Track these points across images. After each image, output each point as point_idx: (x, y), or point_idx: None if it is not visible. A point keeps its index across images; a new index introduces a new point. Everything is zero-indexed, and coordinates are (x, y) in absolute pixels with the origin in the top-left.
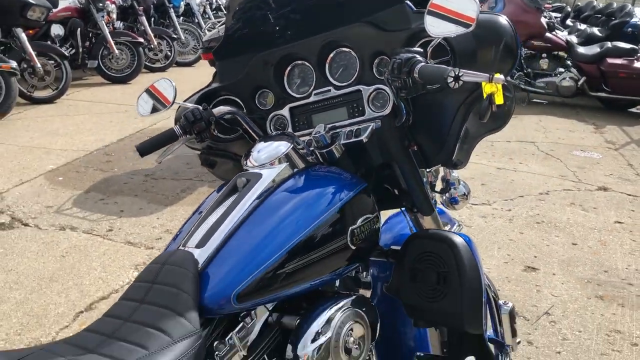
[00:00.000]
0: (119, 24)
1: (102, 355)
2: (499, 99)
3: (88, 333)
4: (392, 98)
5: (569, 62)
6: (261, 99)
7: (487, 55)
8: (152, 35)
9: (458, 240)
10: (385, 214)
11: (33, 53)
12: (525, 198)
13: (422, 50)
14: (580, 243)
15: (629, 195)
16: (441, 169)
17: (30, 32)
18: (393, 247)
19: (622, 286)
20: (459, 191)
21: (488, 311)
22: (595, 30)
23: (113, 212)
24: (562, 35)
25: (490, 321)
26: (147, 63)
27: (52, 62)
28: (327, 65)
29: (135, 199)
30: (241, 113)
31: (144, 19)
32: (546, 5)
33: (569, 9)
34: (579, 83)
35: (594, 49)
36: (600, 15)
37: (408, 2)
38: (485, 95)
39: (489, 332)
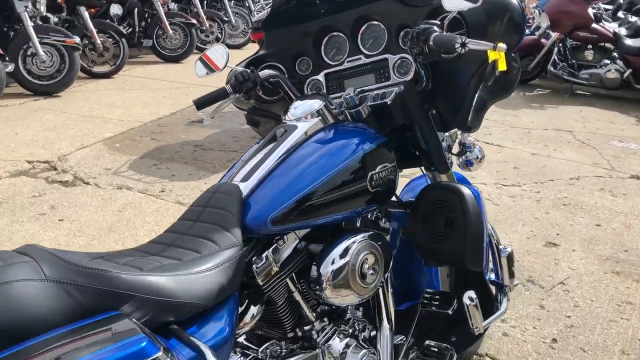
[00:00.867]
0: (173, 6)
1: (163, 257)
2: (501, 65)
3: (152, 244)
4: (414, 66)
5: (615, 54)
6: (300, 66)
7: (494, 28)
8: (204, 17)
9: (466, 191)
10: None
11: (94, 30)
12: (555, 182)
13: (438, 22)
14: (604, 225)
15: None
16: (458, 133)
17: (92, 10)
18: (410, 199)
19: (639, 264)
20: (473, 154)
21: (490, 255)
22: None
23: (165, 176)
24: (609, 26)
25: (492, 265)
26: (198, 44)
27: (111, 39)
28: (359, 37)
29: (185, 166)
30: (283, 76)
31: (197, 1)
32: None
33: (622, 1)
34: (625, 75)
35: None
36: None
37: None
38: (490, 61)
39: (491, 275)
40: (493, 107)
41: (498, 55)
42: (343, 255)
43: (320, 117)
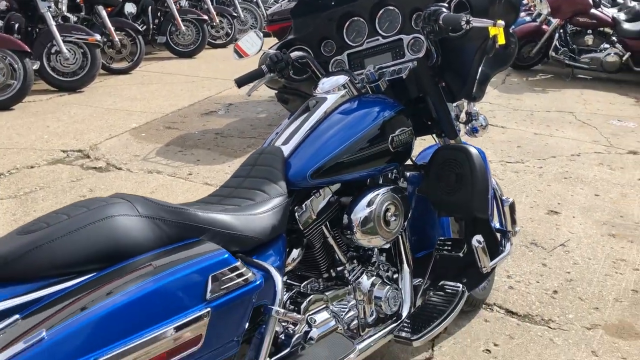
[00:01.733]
0: (184, 3)
1: (222, 205)
2: (501, 39)
3: (211, 196)
4: (426, 43)
5: (614, 38)
6: (325, 48)
7: (494, 8)
8: (214, 13)
9: (472, 150)
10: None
11: (112, 28)
12: (557, 158)
13: (446, 4)
14: (602, 195)
15: None
16: (465, 104)
17: (108, 9)
18: (424, 162)
19: (634, 227)
20: (479, 122)
21: (494, 206)
22: None
23: (191, 161)
24: (608, 11)
25: (497, 214)
26: (209, 40)
27: (128, 37)
28: (376, 20)
29: (209, 152)
30: (311, 57)
31: None
32: None
33: None
34: (624, 58)
35: None
36: None
37: None
38: (490, 36)
39: (496, 223)
40: (497, 92)
41: (498, 31)
42: (370, 204)
43: (346, 90)
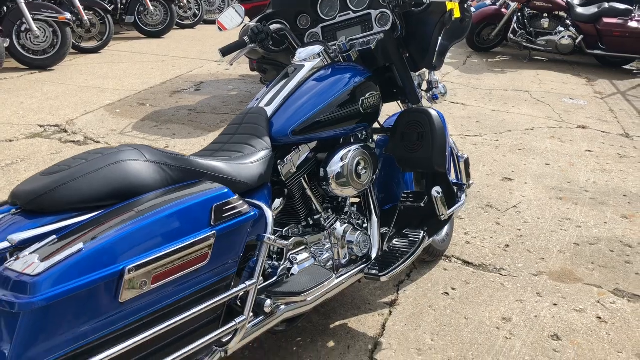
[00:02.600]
0: None
1: (215, 157)
2: (456, 13)
3: (203, 151)
4: (392, 17)
5: (568, 22)
6: (301, 21)
7: None
8: None
9: (433, 112)
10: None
11: (81, 7)
12: (512, 132)
13: None
14: (552, 164)
15: (603, 132)
16: (426, 73)
17: None
18: (390, 126)
19: (579, 192)
20: (439, 90)
21: (451, 162)
22: None
23: (167, 135)
24: None
25: (454, 171)
26: (177, 20)
27: (97, 16)
28: None
29: (184, 126)
30: (288, 29)
31: None
32: None
33: None
34: (577, 41)
35: (592, 9)
36: None
37: None
38: (448, 10)
39: (453, 178)
40: (459, 72)
41: (454, 6)
42: (343, 159)
43: (321, 59)
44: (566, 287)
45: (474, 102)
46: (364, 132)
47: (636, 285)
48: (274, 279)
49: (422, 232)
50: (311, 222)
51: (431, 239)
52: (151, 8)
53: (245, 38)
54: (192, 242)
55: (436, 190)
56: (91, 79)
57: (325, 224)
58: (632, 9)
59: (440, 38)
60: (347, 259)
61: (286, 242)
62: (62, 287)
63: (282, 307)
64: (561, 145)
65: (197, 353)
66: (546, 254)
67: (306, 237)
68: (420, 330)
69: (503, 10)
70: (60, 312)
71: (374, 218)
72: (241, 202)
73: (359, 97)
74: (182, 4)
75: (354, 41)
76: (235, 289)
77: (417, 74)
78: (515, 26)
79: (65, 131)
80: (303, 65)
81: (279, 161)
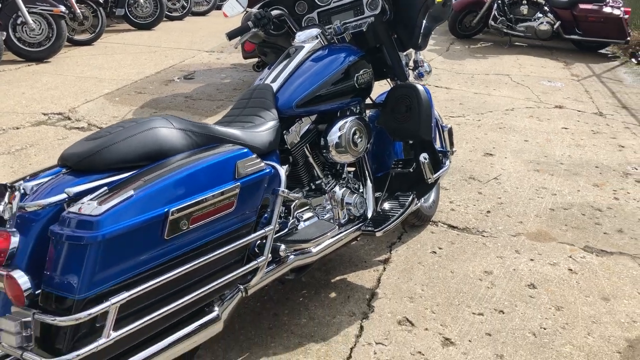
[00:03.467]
0: None
1: (229, 126)
2: None
3: (217, 123)
4: (381, 2)
5: (546, 8)
6: (299, 7)
7: None
8: None
9: (420, 87)
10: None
11: (74, 0)
12: (493, 113)
13: None
14: (530, 140)
15: (579, 111)
16: (412, 53)
17: None
18: (381, 101)
19: (555, 164)
20: (424, 68)
21: (436, 132)
22: None
23: None
24: None
25: (439, 139)
26: (166, 12)
27: (89, 9)
28: None
29: (182, 112)
30: (287, 14)
31: None
32: None
33: None
34: (555, 27)
35: None
36: None
37: None
38: None
39: (438, 147)
40: (442, 58)
41: None
42: (341, 129)
43: (318, 40)
44: (542, 245)
45: (457, 85)
46: (358, 106)
47: (604, 243)
48: (285, 230)
49: (412, 194)
50: (313, 187)
51: (420, 201)
52: (141, 1)
53: (249, 23)
54: (221, 192)
55: (423, 157)
56: (87, 69)
57: (326, 188)
58: None
59: (424, 21)
60: (346, 218)
61: (297, 195)
62: (120, 224)
63: (292, 256)
64: (539, 123)
65: (224, 287)
66: (524, 218)
67: (309, 199)
68: (411, 282)
69: None
70: (119, 245)
71: (369, 183)
72: (259, 160)
73: (354, 73)
74: None
75: (347, 24)
76: (256, 233)
77: (404, 53)
78: (496, 13)
79: (69, 118)
80: (303, 47)
81: (284, 131)
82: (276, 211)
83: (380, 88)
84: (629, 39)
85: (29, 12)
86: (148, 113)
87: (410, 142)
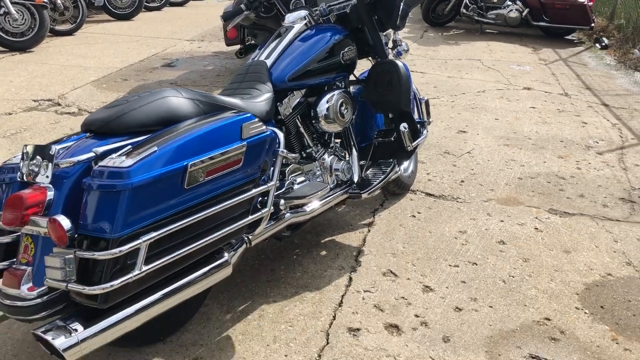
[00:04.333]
0: None
1: (230, 97)
2: None
3: (219, 94)
4: None
5: None
6: None
7: None
8: None
9: (399, 63)
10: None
11: None
12: (466, 95)
13: None
14: (500, 118)
15: (546, 92)
16: (391, 33)
17: None
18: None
19: (523, 139)
20: (402, 47)
21: (415, 104)
22: None
23: None
24: None
25: (417, 111)
26: (145, 3)
27: None
28: None
29: None
30: None
31: None
32: None
33: None
34: (523, 14)
35: None
36: None
37: None
38: None
39: (416, 118)
40: (417, 45)
41: None
42: (329, 101)
43: (306, 21)
44: (511, 209)
45: (431, 70)
46: (344, 81)
47: (567, 206)
48: (283, 189)
49: (393, 161)
50: (304, 155)
51: (400, 168)
52: None
53: (242, 6)
54: (231, 149)
55: (403, 126)
56: (72, 58)
57: (315, 156)
58: None
59: (402, 3)
60: (335, 183)
61: (294, 155)
62: (147, 174)
63: (288, 214)
64: (509, 103)
65: (233, 234)
66: (495, 186)
67: (302, 166)
68: (394, 241)
69: None
70: (146, 193)
71: (354, 151)
72: (261, 123)
73: (339, 50)
74: None
75: (332, 6)
76: (260, 187)
77: (384, 33)
78: (467, 1)
79: (59, 104)
80: (292, 27)
81: (278, 103)
82: (277, 169)
83: (363, 67)
84: (593, 25)
85: (12, 3)
86: None
87: (391, 114)
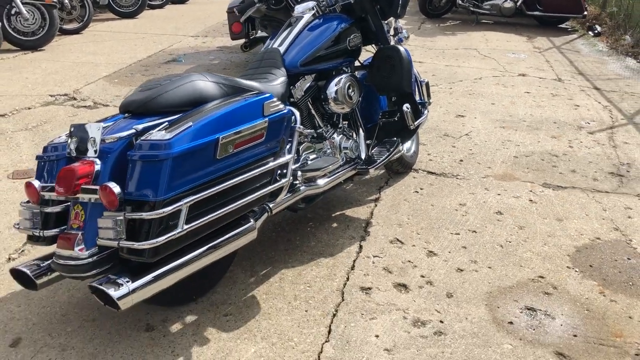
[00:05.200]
0: None
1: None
2: None
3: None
4: None
5: None
6: None
7: None
8: None
9: (401, 48)
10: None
11: None
12: (463, 82)
13: None
14: (497, 103)
15: (540, 78)
16: (393, 21)
17: None
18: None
19: (518, 122)
20: (403, 35)
21: (416, 87)
22: None
23: None
24: None
25: (418, 93)
26: (148, 1)
27: None
28: None
29: None
30: None
31: None
32: None
33: None
34: (518, 4)
35: None
36: None
37: None
38: None
39: (418, 99)
40: (414, 36)
41: None
42: (337, 83)
43: (314, 11)
44: (507, 184)
45: (429, 59)
46: (350, 66)
47: (559, 180)
48: (299, 164)
49: (397, 140)
50: (315, 135)
51: (403, 146)
52: None
53: None
54: (255, 125)
55: (406, 106)
56: (82, 55)
57: (326, 135)
58: None
59: None
60: (344, 160)
61: (310, 130)
62: (185, 145)
63: (303, 187)
64: (504, 89)
65: (256, 202)
66: (492, 164)
67: (313, 144)
68: (399, 214)
69: None
70: (185, 161)
71: (361, 131)
72: (279, 102)
73: (346, 37)
74: None
75: None
76: (280, 159)
77: (385, 22)
78: None
79: (75, 99)
80: (302, 17)
81: (291, 87)
82: (294, 143)
83: (364, 55)
84: (585, 13)
85: (23, 3)
86: None
87: (394, 96)
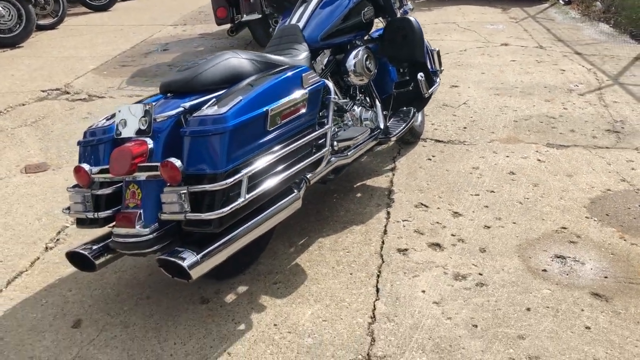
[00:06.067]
0: None
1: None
2: None
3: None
4: None
5: None
6: None
7: None
8: None
9: (412, 18)
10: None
11: None
12: (450, 54)
13: None
14: (486, 72)
15: (522, 46)
16: None
17: None
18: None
19: (511, 88)
20: (408, 7)
21: (428, 56)
22: None
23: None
24: None
25: (429, 62)
26: None
27: None
28: None
29: None
30: None
31: None
32: None
33: None
34: None
35: None
36: None
37: None
38: None
39: (430, 68)
40: None
41: None
42: (356, 56)
43: None
44: (513, 146)
45: None
46: (363, 39)
47: (561, 140)
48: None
49: (413, 108)
50: (336, 108)
51: (419, 114)
52: None
53: None
54: (298, 96)
55: (420, 75)
56: (64, 50)
57: (346, 108)
58: None
59: None
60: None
61: (344, 100)
62: (240, 118)
63: (333, 158)
64: (491, 59)
65: (302, 171)
66: (494, 129)
67: (336, 117)
68: (418, 180)
69: None
70: (240, 133)
71: (377, 102)
72: (316, 74)
73: (360, 10)
74: None
75: None
76: (320, 129)
77: None
78: None
79: (68, 92)
80: None
81: (312, 61)
82: (331, 114)
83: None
84: None
85: None
86: (140, 81)
87: (406, 67)
